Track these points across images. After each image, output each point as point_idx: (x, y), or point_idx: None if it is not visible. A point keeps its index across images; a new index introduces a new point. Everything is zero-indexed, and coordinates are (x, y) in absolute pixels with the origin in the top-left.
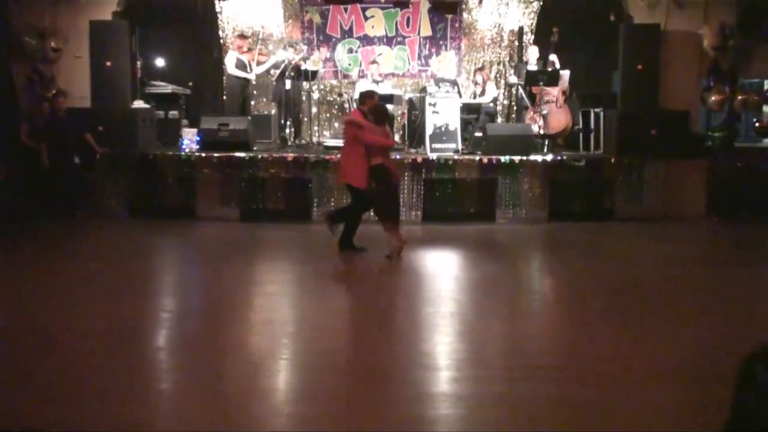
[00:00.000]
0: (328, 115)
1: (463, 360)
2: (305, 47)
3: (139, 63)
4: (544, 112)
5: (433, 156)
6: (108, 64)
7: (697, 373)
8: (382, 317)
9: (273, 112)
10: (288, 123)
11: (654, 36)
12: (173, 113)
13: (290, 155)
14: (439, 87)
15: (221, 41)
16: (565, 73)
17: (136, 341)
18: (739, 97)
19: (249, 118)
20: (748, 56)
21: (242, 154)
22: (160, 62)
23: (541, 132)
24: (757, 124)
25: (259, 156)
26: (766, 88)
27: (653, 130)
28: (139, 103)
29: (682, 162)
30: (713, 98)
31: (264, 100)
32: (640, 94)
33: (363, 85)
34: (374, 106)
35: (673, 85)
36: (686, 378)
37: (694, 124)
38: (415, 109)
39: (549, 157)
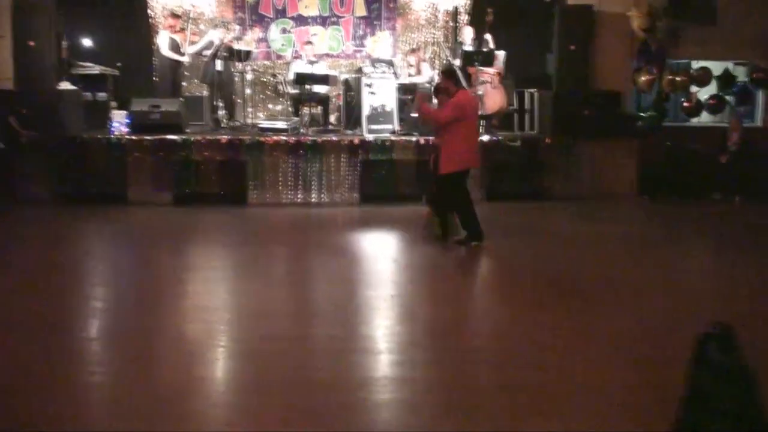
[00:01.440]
0: (262, 96)
1: (404, 343)
2: (237, 27)
3: (64, 43)
4: (480, 92)
5: (370, 137)
6: (31, 44)
7: (639, 353)
8: (321, 301)
9: (205, 93)
10: (220, 104)
11: (587, 17)
12: (101, 95)
13: (225, 137)
14: (375, 68)
15: (150, 20)
16: (501, 54)
17: (64, 332)
18: (668, 78)
19: (181, 99)
20: (677, 38)
21: (175, 137)
22: (87, 42)
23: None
24: (685, 104)
25: (193, 138)
26: (693, 69)
27: (586, 110)
28: (65, 85)
29: (614, 142)
30: (643, 79)
31: (195, 81)
32: (573, 75)
33: (298, 66)
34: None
35: (605, 66)
36: (630, 358)
37: (625, 105)
38: (352, 90)
39: (485, 138)
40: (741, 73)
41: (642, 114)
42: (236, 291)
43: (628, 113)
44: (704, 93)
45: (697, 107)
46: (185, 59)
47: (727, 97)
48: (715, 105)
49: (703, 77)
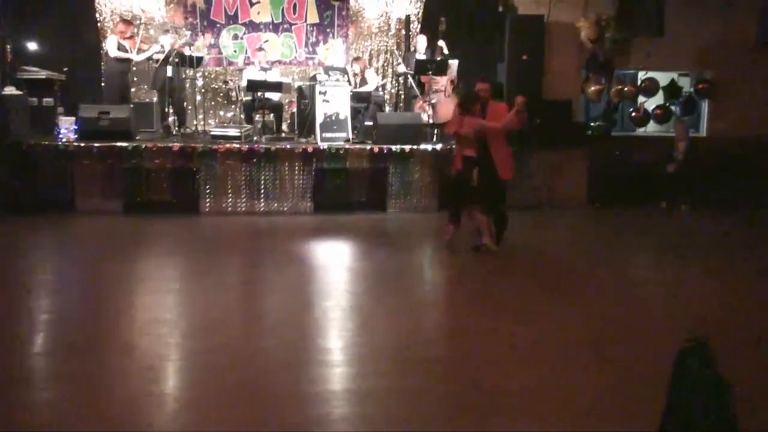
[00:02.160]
0: (213, 103)
1: (361, 355)
2: (188, 33)
3: (9, 46)
4: (433, 101)
5: (324, 145)
6: None
7: (600, 355)
8: (276, 312)
9: (154, 99)
10: (170, 111)
11: (538, 27)
12: (48, 100)
13: (176, 145)
14: (329, 75)
15: (99, 25)
16: (454, 63)
17: (7, 347)
18: (616, 88)
19: (131, 106)
20: (625, 49)
21: (124, 144)
22: (32, 47)
23: (430, 121)
24: (633, 114)
25: (143, 146)
26: (640, 79)
27: (538, 119)
28: (10, 90)
29: (565, 150)
30: (592, 89)
31: (145, 87)
32: (525, 84)
33: (250, 73)
34: (464, 94)
35: (556, 75)
36: (589, 361)
37: (575, 114)
38: (305, 98)
39: (439, 146)
40: (686, 84)
41: (591, 123)
42: (188, 302)
43: (579, 122)
44: (651, 103)
45: (645, 117)
46: (133, 56)
47: (673, 107)
48: (662, 115)
49: (650, 88)
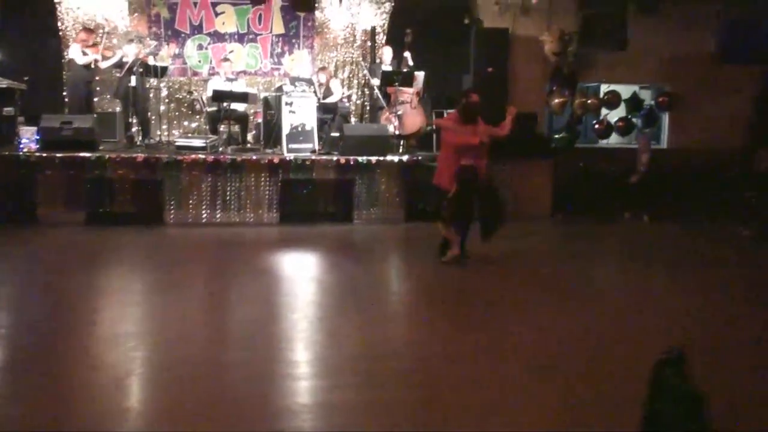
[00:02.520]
0: (177, 113)
1: (330, 367)
2: (153, 42)
3: None
4: (399, 112)
5: (290, 156)
6: None
7: (558, 370)
8: (242, 325)
9: (118, 109)
10: (134, 121)
11: (503, 40)
12: (8, 110)
13: (140, 155)
14: (295, 86)
15: (61, 33)
16: (420, 74)
17: None
18: (579, 101)
19: (94, 116)
20: (587, 62)
21: (88, 154)
22: None
23: (397, 132)
24: (596, 126)
25: (107, 156)
26: (603, 92)
27: None
28: None
29: (529, 162)
30: (555, 101)
31: (108, 97)
32: (490, 96)
33: (215, 83)
34: (462, 104)
35: (520, 87)
36: (553, 375)
37: (540, 126)
38: (271, 109)
39: (405, 158)
40: (647, 97)
41: (555, 135)
42: (154, 315)
43: (543, 134)
44: (614, 116)
45: (608, 129)
46: (98, 57)
47: (635, 120)
48: (624, 127)
49: (612, 100)
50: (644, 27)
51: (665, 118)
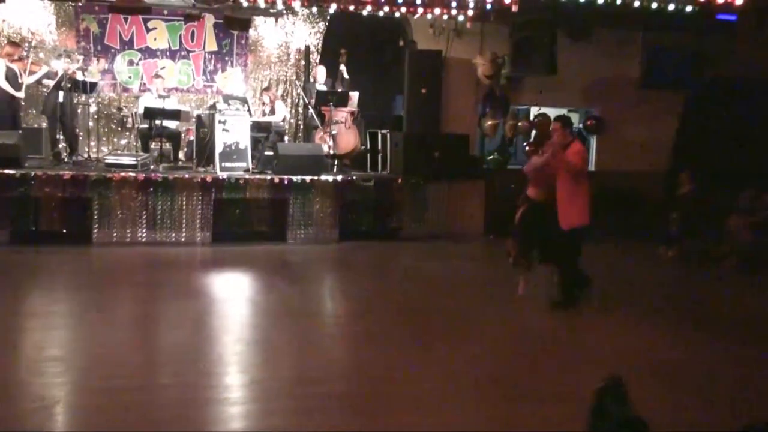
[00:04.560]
0: (106, 129)
1: (265, 392)
2: (81, 57)
3: None
4: (334, 132)
5: (224, 175)
6: None
7: (497, 390)
8: (176, 348)
9: (44, 125)
10: (61, 138)
11: (437, 62)
12: None
13: (68, 173)
14: (229, 104)
15: None
16: (354, 95)
17: None
18: (510, 123)
19: (19, 132)
20: (519, 85)
21: (12, 172)
22: None
23: (331, 152)
24: (527, 148)
25: (32, 173)
26: (533, 114)
27: (436, 152)
28: None
29: (462, 183)
30: (488, 123)
31: (33, 111)
32: (424, 117)
33: (146, 100)
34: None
35: (453, 109)
36: (500, 398)
37: (472, 147)
38: (204, 127)
39: (339, 177)
40: (575, 119)
41: (488, 157)
42: (82, 339)
43: (476, 156)
44: None
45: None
46: (21, 95)
47: None
48: None
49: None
50: (573, 52)
51: (593, 141)
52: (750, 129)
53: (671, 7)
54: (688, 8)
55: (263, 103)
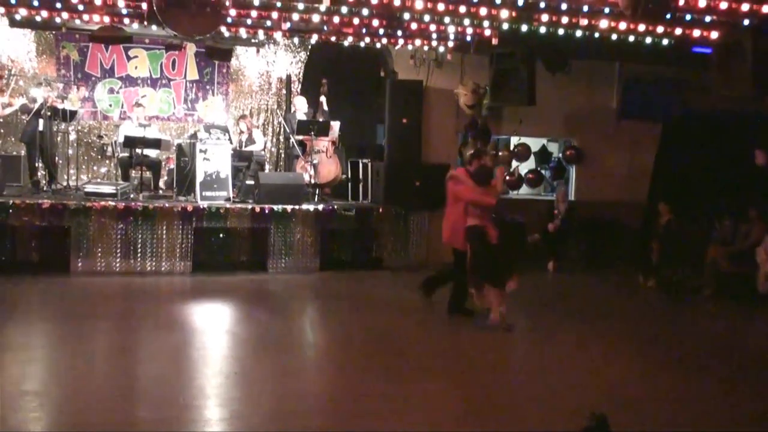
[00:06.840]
0: (86, 157)
1: (247, 425)
2: (61, 85)
3: None
4: (315, 161)
5: (204, 204)
6: None
7: (477, 425)
8: (155, 381)
9: (23, 153)
10: (40, 166)
11: (417, 91)
12: None
13: (46, 202)
14: (210, 133)
15: None
16: (335, 124)
17: None
18: (491, 153)
19: None
20: (499, 115)
21: None
22: None
23: (312, 181)
24: (507, 178)
25: (10, 202)
26: (513, 144)
27: (417, 181)
28: None
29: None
30: (469, 153)
31: (12, 139)
32: (404, 147)
33: (127, 128)
34: (480, 166)
35: (434, 139)
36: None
37: None
38: (185, 155)
39: (320, 207)
40: (555, 149)
41: None
42: (59, 372)
43: None
44: (524, 168)
45: (518, 181)
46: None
47: (544, 172)
48: (534, 179)
49: (522, 153)
50: (552, 83)
51: (572, 171)
52: (726, 160)
53: (648, 40)
54: (665, 41)
55: (240, 132)
